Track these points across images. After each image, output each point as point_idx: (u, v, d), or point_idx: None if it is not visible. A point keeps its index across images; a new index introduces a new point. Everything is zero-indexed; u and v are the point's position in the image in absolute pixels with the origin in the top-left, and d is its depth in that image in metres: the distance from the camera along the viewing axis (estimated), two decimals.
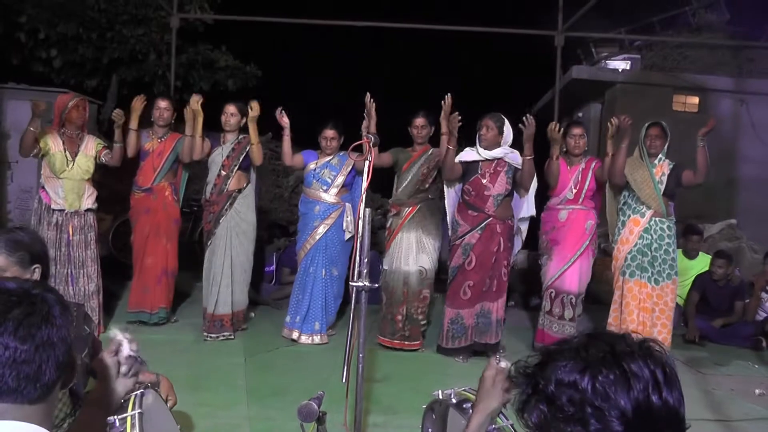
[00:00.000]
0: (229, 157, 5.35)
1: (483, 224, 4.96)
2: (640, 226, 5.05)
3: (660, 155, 5.09)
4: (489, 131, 4.97)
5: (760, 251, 7.83)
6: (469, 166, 5.07)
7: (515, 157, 5.03)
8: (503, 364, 1.67)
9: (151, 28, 10.92)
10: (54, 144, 4.98)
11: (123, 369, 1.47)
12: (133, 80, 11.23)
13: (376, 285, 3.06)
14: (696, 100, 11.38)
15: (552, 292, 5.21)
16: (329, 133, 5.39)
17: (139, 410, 1.47)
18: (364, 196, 3.31)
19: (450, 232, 5.21)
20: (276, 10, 8.58)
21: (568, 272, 5.19)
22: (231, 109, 5.41)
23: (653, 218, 5.04)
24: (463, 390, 2.10)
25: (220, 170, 5.34)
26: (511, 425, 1.80)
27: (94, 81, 11.20)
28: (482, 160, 5.00)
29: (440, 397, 2.12)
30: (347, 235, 5.35)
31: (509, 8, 11.72)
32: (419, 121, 5.36)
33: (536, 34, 8.46)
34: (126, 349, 1.48)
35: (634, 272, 5.04)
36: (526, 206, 5.26)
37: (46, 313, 1.20)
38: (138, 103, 5.28)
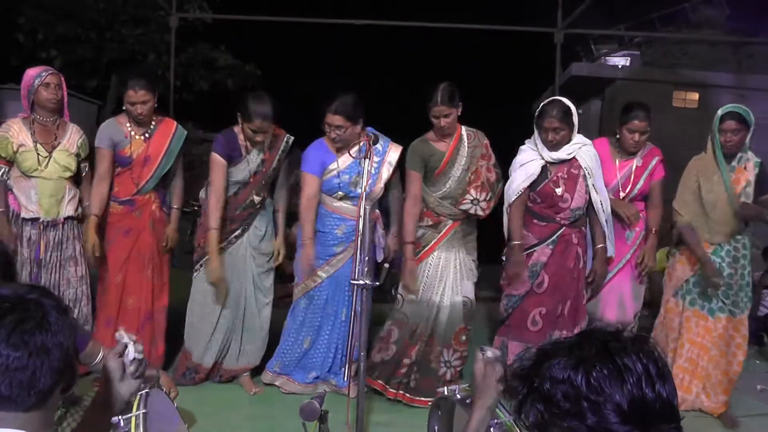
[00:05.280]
0: (258, 173, 3.91)
1: (555, 236, 3.75)
2: (709, 249, 3.84)
3: (740, 154, 3.77)
4: (558, 134, 3.67)
5: (760, 246, 7.83)
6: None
7: (590, 152, 3.79)
8: (489, 353, 1.67)
9: (150, 28, 10.93)
10: (21, 140, 3.71)
11: (131, 369, 1.47)
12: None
13: (377, 283, 3.05)
14: (696, 96, 11.40)
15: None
16: (334, 119, 3.76)
17: (144, 410, 1.48)
18: (364, 194, 3.31)
19: (507, 248, 3.89)
20: (275, 9, 8.59)
21: (603, 294, 3.99)
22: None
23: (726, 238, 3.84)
24: (468, 386, 2.11)
25: (243, 190, 3.93)
26: (513, 420, 1.80)
27: (93, 81, 11.22)
28: (550, 163, 3.76)
29: (445, 393, 2.13)
30: (380, 255, 3.96)
31: (508, 6, 11.72)
32: (441, 109, 3.74)
33: (536, 31, 8.46)
34: (131, 352, 1.49)
35: (695, 300, 3.89)
36: (609, 246, 3.90)
37: (40, 319, 1.18)
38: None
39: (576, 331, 3.63)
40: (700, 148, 3.96)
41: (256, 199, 3.91)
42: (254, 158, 3.89)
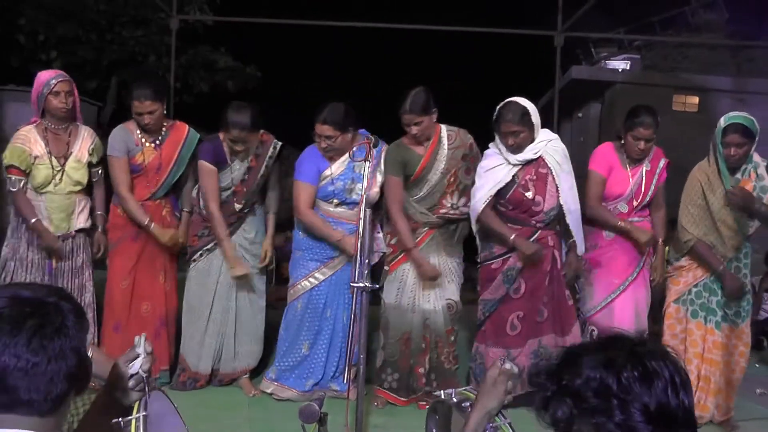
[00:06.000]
0: (244, 181, 3.88)
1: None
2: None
3: (745, 165, 3.60)
4: (518, 137, 3.54)
5: (761, 250, 7.83)
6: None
7: (557, 148, 3.67)
8: (507, 365, 1.71)
9: (151, 30, 10.95)
10: (36, 151, 3.60)
11: (130, 383, 1.49)
12: (133, 82, 11.29)
13: (377, 285, 3.06)
14: (696, 99, 11.43)
15: (593, 328, 3.83)
16: (323, 129, 3.70)
17: (144, 413, 1.48)
18: (364, 197, 3.31)
19: (481, 251, 3.79)
20: (275, 11, 8.60)
21: (616, 303, 3.82)
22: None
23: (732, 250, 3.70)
24: (464, 390, 2.11)
25: (230, 198, 3.88)
26: (509, 424, 1.81)
27: (93, 83, 11.23)
28: (518, 168, 3.63)
29: (442, 397, 2.14)
30: (376, 257, 3.78)
31: (508, 8, 11.75)
32: (411, 117, 3.64)
33: (535, 34, 8.47)
34: (136, 367, 1.50)
35: (696, 312, 3.76)
36: (578, 244, 3.77)
37: (59, 324, 1.18)
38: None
39: (567, 336, 3.72)
40: (700, 151, 3.87)
41: (237, 206, 3.87)
42: (237, 166, 3.84)
